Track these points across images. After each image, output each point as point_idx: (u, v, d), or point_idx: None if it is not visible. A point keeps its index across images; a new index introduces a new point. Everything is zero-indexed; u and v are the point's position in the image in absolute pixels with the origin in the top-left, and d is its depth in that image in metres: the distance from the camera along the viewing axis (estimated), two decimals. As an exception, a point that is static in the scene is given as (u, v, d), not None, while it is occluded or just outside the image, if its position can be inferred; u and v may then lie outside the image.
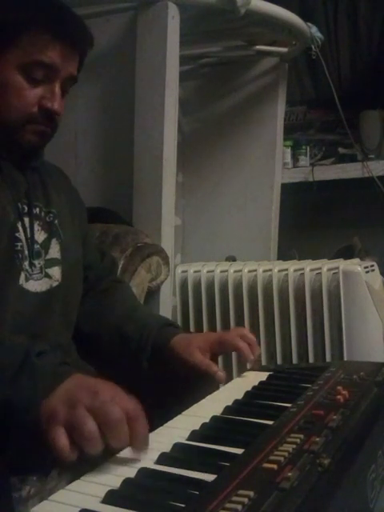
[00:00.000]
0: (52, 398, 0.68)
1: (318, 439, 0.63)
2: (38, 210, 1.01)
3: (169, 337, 1.06)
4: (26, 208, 0.99)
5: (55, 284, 1.02)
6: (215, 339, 1.05)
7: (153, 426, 0.73)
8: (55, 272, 1.02)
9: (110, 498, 0.55)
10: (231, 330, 1.11)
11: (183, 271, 1.94)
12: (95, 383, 0.70)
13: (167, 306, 1.76)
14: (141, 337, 1.08)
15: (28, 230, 0.98)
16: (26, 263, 0.97)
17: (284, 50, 2.30)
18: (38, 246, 1.00)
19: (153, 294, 1.68)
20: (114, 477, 0.60)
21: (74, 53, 0.96)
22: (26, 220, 0.98)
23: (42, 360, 0.75)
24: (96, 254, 1.22)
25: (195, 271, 1.92)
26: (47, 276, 1.00)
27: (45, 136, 0.98)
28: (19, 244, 0.95)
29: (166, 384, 1.03)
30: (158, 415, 0.79)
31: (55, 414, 0.66)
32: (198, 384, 0.98)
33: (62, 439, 0.63)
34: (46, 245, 1.01)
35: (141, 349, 1.07)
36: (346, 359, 1.66)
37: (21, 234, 0.96)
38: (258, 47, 2.24)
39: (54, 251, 1.03)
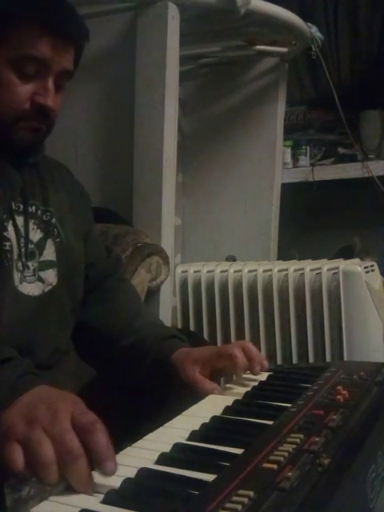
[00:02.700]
0: (11, 410, 0.65)
1: (317, 439, 0.63)
2: (34, 208, 0.98)
3: (169, 353, 1.01)
4: (21, 206, 0.95)
5: (48, 288, 0.98)
6: (214, 351, 0.99)
7: (144, 430, 0.72)
8: (49, 275, 0.99)
9: (110, 498, 0.55)
10: (234, 342, 1.04)
11: (183, 271, 1.94)
12: (56, 398, 0.66)
13: (167, 306, 1.76)
14: (140, 351, 1.04)
15: (22, 229, 0.95)
16: (19, 264, 0.93)
17: (284, 50, 2.30)
18: (33, 246, 0.96)
19: (153, 294, 1.68)
20: (113, 477, 0.59)
21: (66, 46, 0.92)
22: (20, 219, 0.95)
23: (5, 369, 0.72)
24: (101, 250, 1.18)
25: (195, 271, 1.92)
26: (40, 279, 0.97)
27: (39, 133, 0.95)
28: (8, 244, 0.91)
29: (166, 392, 1.00)
30: (157, 415, 0.79)
31: (12, 429, 0.62)
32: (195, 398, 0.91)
33: (16, 458, 0.60)
34: (40, 245, 0.98)
35: (140, 362, 1.03)
36: (345, 359, 1.66)
37: (10, 234, 0.92)
38: (258, 47, 2.24)
39: (49, 252, 0.99)
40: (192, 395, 0.91)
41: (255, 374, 0.96)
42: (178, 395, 0.96)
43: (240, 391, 0.89)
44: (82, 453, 0.59)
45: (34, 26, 0.88)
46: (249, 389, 0.90)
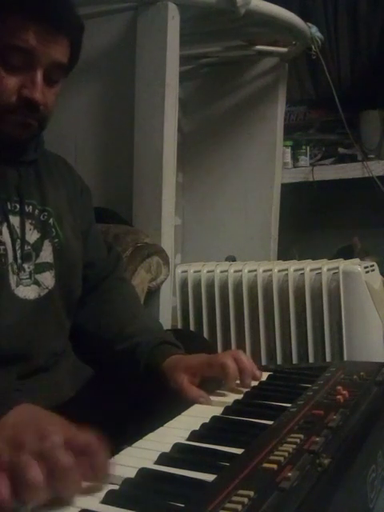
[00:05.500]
0: None
1: (318, 439, 0.63)
2: (30, 208, 0.95)
3: (160, 360, 0.97)
4: (18, 206, 0.93)
5: (45, 292, 0.96)
6: (205, 360, 0.94)
7: (144, 429, 0.71)
8: (45, 278, 0.96)
9: (110, 498, 0.55)
10: (227, 351, 0.98)
11: (183, 271, 1.94)
12: (44, 419, 0.63)
13: (167, 306, 1.76)
14: (133, 357, 1.01)
15: (18, 230, 0.92)
16: (15, 267, 0.91)
17: (284, 50, 2.30)
18: (29, 248, 0.94)
19: (153, 293, 1.68)
20: (113, 477, 0.59)
21: (55, 36, 0.87)
22: (16, 219, 0.92)
23: None
24: (102, 248, 1.15)
25: (195, 271, 1.92)
26: (36, 283, 0.94)
27: (29, 128, 0.90)
28: (1, 247, 0.89)
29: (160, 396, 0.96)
30: (155, 414, 0.79)
31: None
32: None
33: (1, 487, 0.53)
34: (37, 246, 0.95)
35: (134, 368, 1.00)
36: (346, 359, 1.66)
37: (4, 236, 0.90)
38: (258, 47, 2.25)
39: (46, 254, 0.96)
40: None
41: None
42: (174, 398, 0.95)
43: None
44: (73, 465, 0.56)
45: (18, 15, 0.84)
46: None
